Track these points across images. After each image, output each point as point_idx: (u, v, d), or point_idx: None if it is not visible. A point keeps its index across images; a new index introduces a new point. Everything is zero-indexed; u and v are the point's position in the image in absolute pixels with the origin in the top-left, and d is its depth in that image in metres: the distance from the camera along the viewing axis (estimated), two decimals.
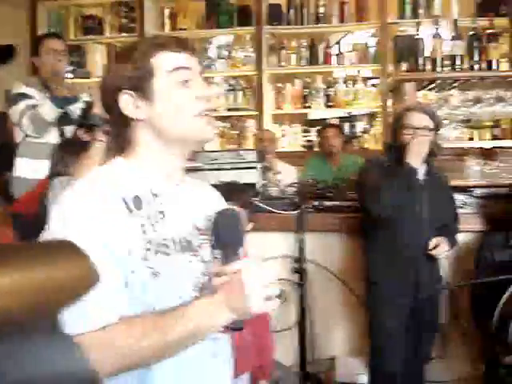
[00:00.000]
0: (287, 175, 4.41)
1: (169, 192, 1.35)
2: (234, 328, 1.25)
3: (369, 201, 3.09)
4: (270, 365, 2.62)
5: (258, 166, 3.74)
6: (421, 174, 3.12)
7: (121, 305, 1.21)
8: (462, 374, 3.60)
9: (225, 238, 1.29)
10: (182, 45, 1.33)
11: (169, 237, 1.29)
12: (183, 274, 1.29)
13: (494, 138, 4.63)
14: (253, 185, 3.64)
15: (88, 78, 5.81)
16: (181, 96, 1.31)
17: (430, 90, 4.07)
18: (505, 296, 3.07)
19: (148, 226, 1.27)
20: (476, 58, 3.92)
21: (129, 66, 1.31)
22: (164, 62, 1.31)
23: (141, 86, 1.30)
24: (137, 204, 1.28)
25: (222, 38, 5.91)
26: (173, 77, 1.30)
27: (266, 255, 3.14)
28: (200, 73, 1.35)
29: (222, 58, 5.81)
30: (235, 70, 5.80)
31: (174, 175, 1.37)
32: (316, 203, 3.70)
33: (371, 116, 5.69)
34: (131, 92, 1.31)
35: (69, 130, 3.42)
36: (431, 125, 3.10)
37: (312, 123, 5.80)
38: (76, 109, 3.39)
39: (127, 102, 1.31)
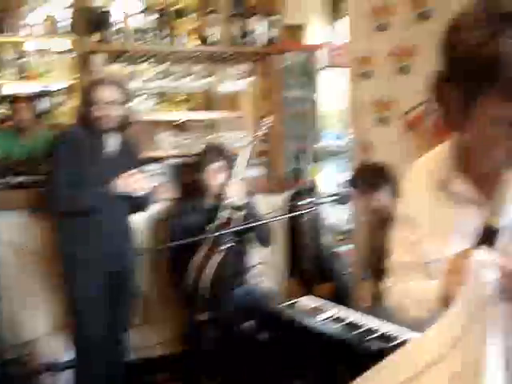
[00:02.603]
0: None
1: None
2: None
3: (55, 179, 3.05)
4: None
5: None
6: (113, 145, 3.15)
7: None
8: (163, 337, 3.77)
9: None
10: None
11: None
12: None
13: (186, 110, 4.86)
14: None
15: None
16: None
17: (120, 62, 4.11)
18: (195, 258, 3.30)
19: None
20: (165, 32, 4.08)
21: None
22: None
23: None
24: None
25: None
26: None
27: None
28: None
29: None
30: None
31: None
32: (7, 179, 3.52)
33: (66, 90, 5.53)
34: None
35: None
36: (120, 98, 3.14)
37: (3, 97, 5.43)
38: None
39: None
